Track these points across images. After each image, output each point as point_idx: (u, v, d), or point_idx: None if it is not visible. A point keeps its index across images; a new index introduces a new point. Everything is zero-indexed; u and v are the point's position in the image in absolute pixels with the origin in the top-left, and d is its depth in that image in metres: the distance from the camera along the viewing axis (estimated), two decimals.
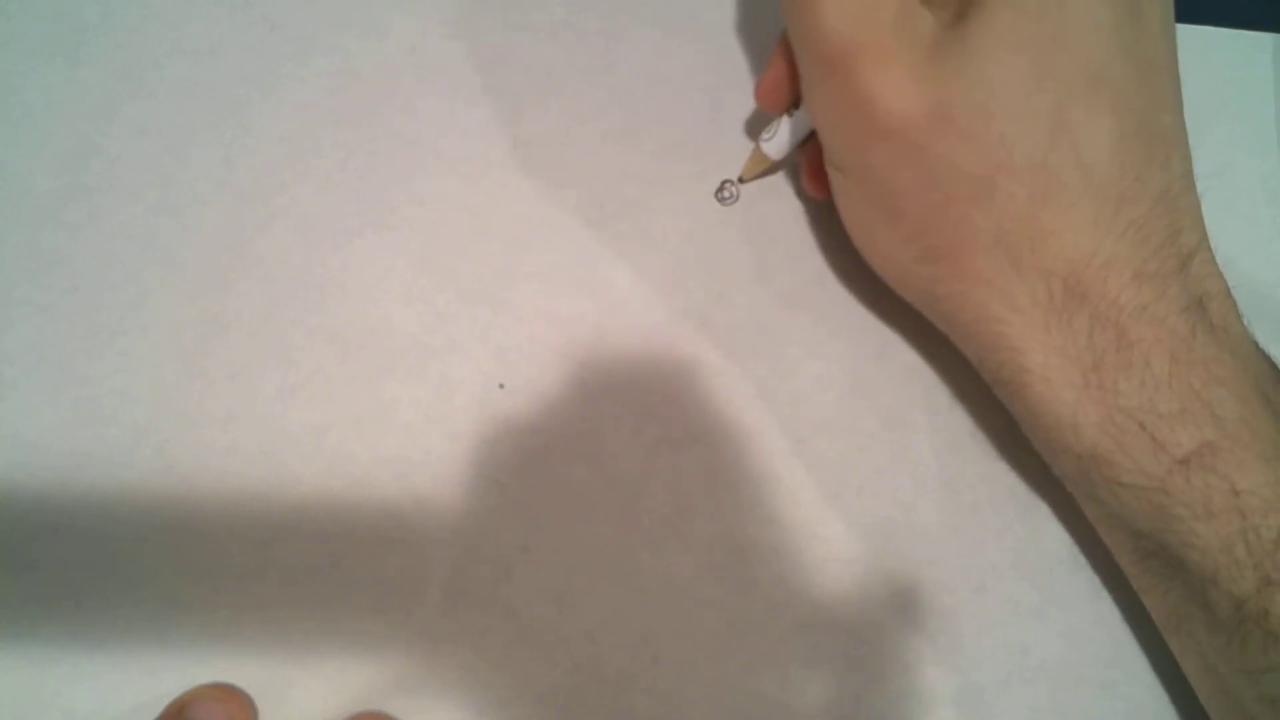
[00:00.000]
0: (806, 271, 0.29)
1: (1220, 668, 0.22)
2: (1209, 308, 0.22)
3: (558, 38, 0.31)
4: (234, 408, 0.26)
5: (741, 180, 0.29)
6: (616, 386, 0.27)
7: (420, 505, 0.25)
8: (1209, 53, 0.33)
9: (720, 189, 0.29)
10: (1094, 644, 0.25)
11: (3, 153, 0.28)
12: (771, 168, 0.29)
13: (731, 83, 0.31)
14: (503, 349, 0.27)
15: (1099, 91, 0.22)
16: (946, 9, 0.23)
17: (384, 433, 0.26)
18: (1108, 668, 0.25)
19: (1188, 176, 0.23)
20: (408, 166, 0.29)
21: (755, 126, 0.30)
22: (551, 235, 0.29)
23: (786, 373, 0.28)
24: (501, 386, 0.27)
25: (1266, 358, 0.23)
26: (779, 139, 0.27)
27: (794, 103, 0.27)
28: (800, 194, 0.29)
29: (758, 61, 0.31)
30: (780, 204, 0.30)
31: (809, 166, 0.28)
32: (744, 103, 0.30)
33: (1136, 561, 0.24)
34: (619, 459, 0.26)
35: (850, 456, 0.27)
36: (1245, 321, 0.23)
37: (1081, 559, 0.26)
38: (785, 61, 0.26)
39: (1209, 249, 0.23)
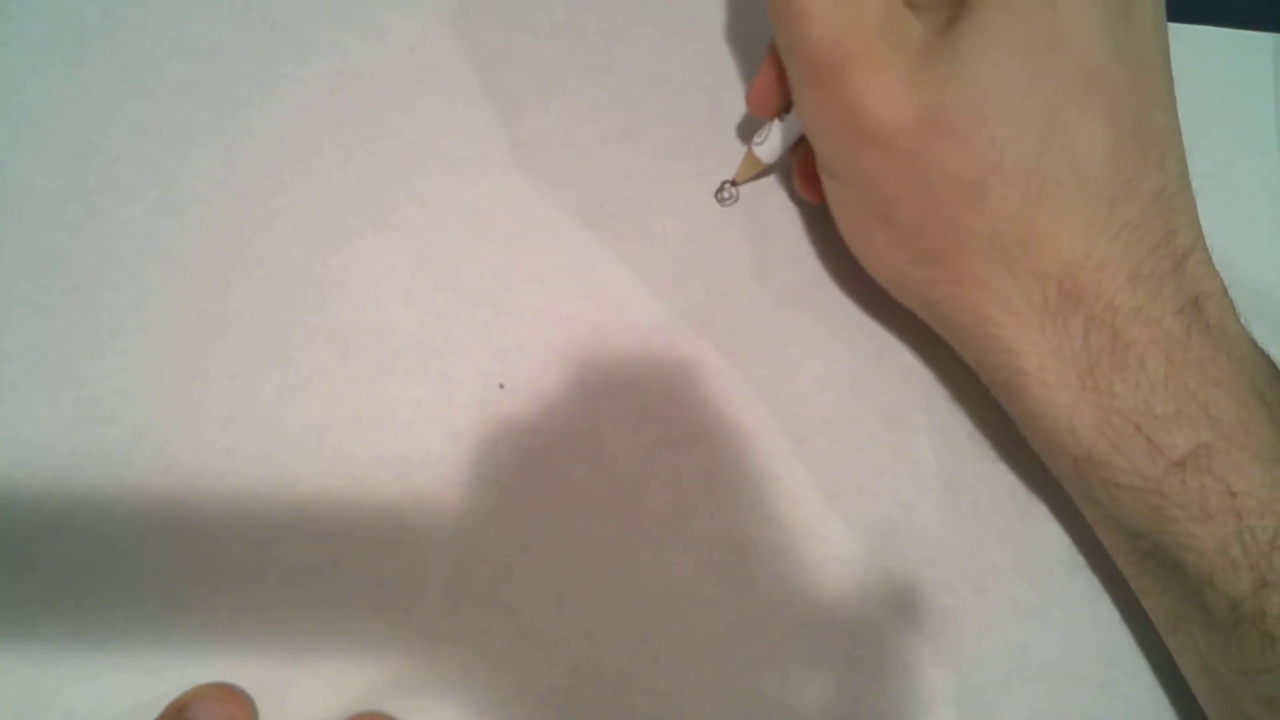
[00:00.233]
0: (806, 271, 0.29)
1: (1217, 668, 0.22)
2: (1205, 308, 0.22)
3: (558, 38, 0.31)
4: (234, 408, 0.26)
5: (734, 183, 0.29)
6: (616, 386, 0.27)
7: (420, 505, 0.26)
8: (1209, 53, 0.33)
9: (720, 189, 0.29)
10: (1094, 644, 0.25)
11: (3, 153, 0.28)
12: (764, 170, 0.29)
13: (731, 83, 0.31)
14: (503, 349, 0.27)
15: (1092, 93, 0.22)
16: (936, 14, 0.23)
17: (384, 433, 0.26)
18: (1108, 668, 0.25)
19: (1183, 176, 0.23)
20: (408, 166, 0.29)
21: (750, 129, 0.30)
22: (551, 235, 0.29)
23: (786, 373, 0.28)
24: (501, 386, 0.27)
25: (1264, 357, 0.23)
26: (771, 143, 0.27)
27: (785, 107, 0.27)
28: (794, 196, 0.29)
29: (757, 62, 0.31)
30: (780, 204, 0.30)
31: (801, 170, 0.28)
32: (743, 103, 0.30)
33: (1134, 562, 0.24)
34: (619, 459, 0.26)
35: (850, 456, 0.27)
36: (1243, 321, 0.23)
37: (1081, 559, 0.26)
38: (775, 67, 0.26)
39: (1205, 249, 0.23)
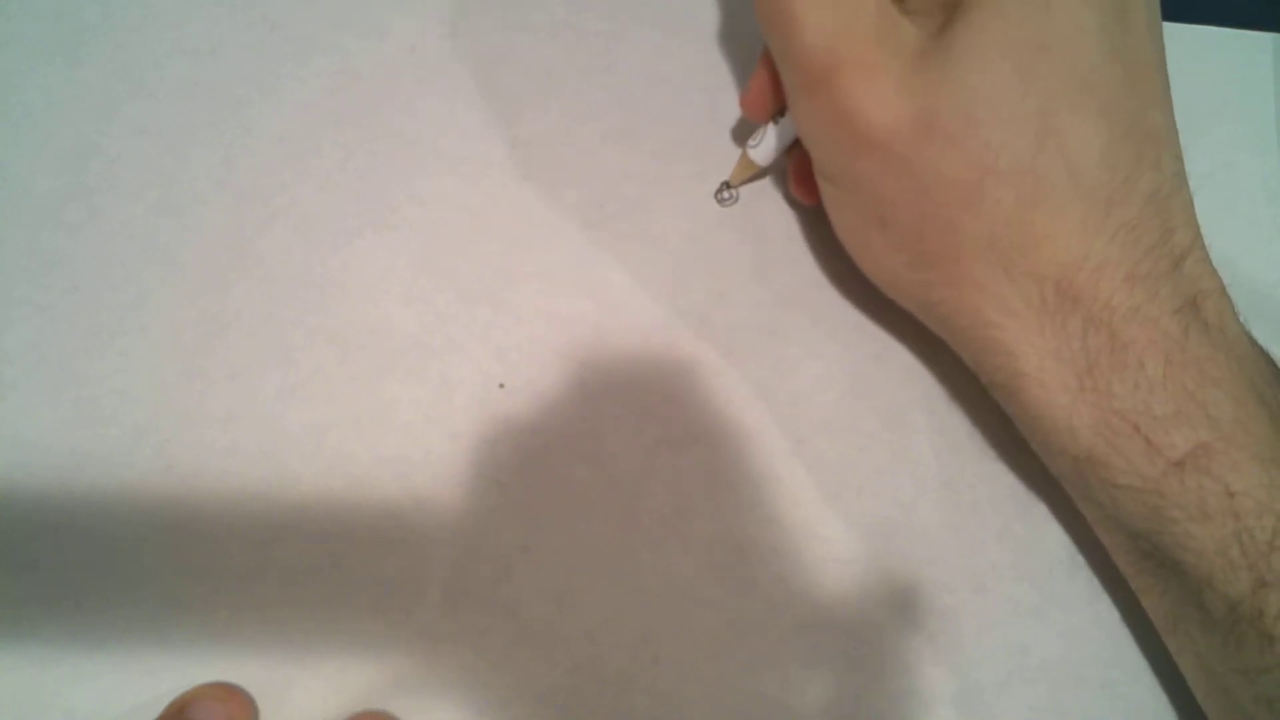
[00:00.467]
0: (807, 272, 0.29)
1: (1217, 668, 0.22)
2: (1203, 307, 0.22)
3: (558, 38, 0.31)
4: (234, 408, 0.26)
5: (730, 186, 0.29)
6: (616, 386, 0.27)
7: (420, 505, 0.26)
8: (1209, 53, 0.33)
9: (719, 190, 0.29)
10: (1094, 644, 0.25)
11: (3, 153, 0.28)
12: (760, 173, 0.29)
13: (731, 83, 0.31)
14: (503, 349, 0.27)
15: (1087, 94, 0.22)
16: (930, 18, 0.23)
17: (384, 433, 0.26)
18: (1108, 668, 0.25)
19: (1179, 176, 0.23)
20: (408, 166, 0.29)
21: (745, 131, 0.30)
22: (551, 235, 0.29)
23: (786, 373, 0.28)
24: (501, 386, 0.27)
25: (1264, 356, 0.23)
26: (765, 146, 0.27)
27: (780, 110, 0.27)
28: (789, 199, 0.29)
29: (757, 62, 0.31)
30: (780, 204, 0.30)
31: (796, 173, 0.28)
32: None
33: (1134, 562, 0.24)
34: (619, 459, 0.26)
35: (850, 456, 0.27)
36: (1241, 320, 0.23)
37: (1081, 559, 0.26)
38: (769, 71, 0.26)
39: (1203, 248, 0.23)
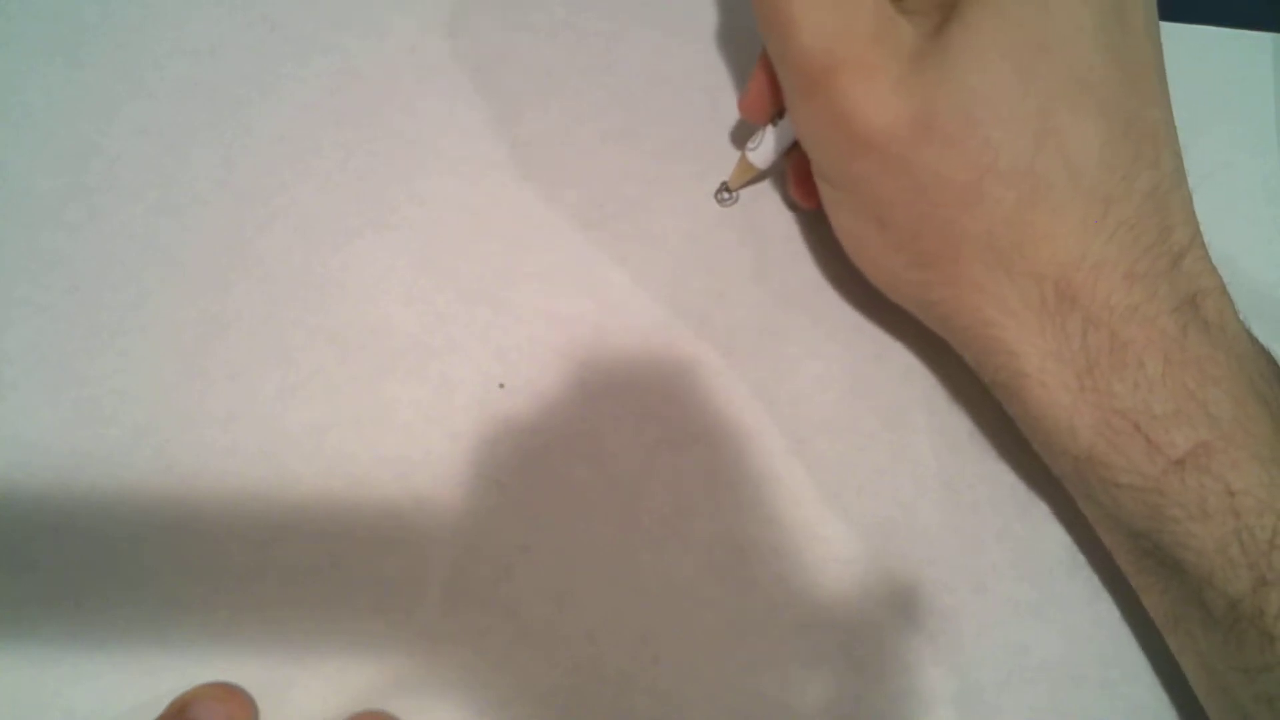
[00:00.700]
0: (806, 272, 0.29)
1: (1217, 667, 0.22)
2: (1203, 305, 0.22)
3: (558, 38, 0.31)
4: (234, 408, 0.26)
5: (729, 189, 0.29)
6: (616, 386, 0.27)
7: (420, 505, 0.26)
8: (1209, 53, 0.33)
9: (719, 190, 0.29)
10: (1094, 644, 0.25)
11: (3, 153, 0.28)
12: (759, 175, 0.29)
13: (731, 83, 0.31)
14: (503, 349, 0.27)
15: (1085, 93, 0.22)
16: (927, 18, 0.23)
17: (384, 433, 0.26)
18: (1108, 667, 0.25)
19: (1178, 173, 0.23)
20: (408, 166, 0.29)
21: (744, 134, 0.30)
22: (551, 235, 0.29)
23: (786, 373, 0.28)
24: (501, 386, 0.27)
25: (1264, 354, 0.23)
26: (764, 148, 0.27)
27: (778, 112, 0.27)
28: (788, 200, 0.29)
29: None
30: (780, 205, 0.30)
31: (795, 174, 0.28)
32: None
33: (1134, 561, 0.24)
34: (619, 459, 0.26)
35: (850, 456, 0.27)
36: (1241, 318, 0.23)
37: (1081, 559, 0.26)
38: (767, 73, 0.26)
39: (1202, 245, 0.23)
